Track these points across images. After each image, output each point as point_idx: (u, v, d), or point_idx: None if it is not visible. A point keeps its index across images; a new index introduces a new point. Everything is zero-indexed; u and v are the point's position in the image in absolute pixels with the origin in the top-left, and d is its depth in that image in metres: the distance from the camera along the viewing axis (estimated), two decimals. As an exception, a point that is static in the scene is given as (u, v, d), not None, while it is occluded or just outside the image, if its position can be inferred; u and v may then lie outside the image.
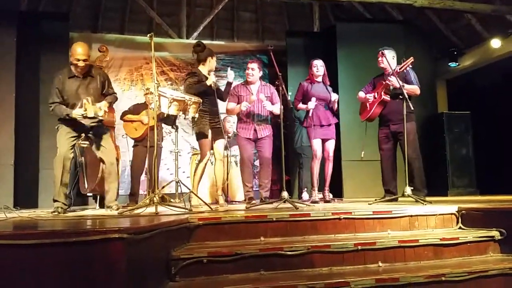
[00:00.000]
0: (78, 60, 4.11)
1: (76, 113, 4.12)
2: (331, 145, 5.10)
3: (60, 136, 4.23)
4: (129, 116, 5.85)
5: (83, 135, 4.36)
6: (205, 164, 4.67)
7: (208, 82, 4.52)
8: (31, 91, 6.46)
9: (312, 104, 4.94)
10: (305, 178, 6.35)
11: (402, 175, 4.46)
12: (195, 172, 4.70)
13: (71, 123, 4.22)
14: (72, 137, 4.24)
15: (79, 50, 4.11)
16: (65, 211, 4.18)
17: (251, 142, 4.91)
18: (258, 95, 4.92)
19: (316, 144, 5.00)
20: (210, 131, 4.59)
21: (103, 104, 4.21)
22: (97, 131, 4.35)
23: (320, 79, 5.10)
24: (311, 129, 5.00)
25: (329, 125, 5.06)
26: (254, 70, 5.01)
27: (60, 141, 4.20)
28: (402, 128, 4.30)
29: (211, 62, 4.66)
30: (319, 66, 5.08)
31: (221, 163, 4.79)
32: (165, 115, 4.10)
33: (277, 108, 4.84)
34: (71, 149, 4.25)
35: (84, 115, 4.11)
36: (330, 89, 5.18)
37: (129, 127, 5.86)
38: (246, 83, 5.06)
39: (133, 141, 5.93)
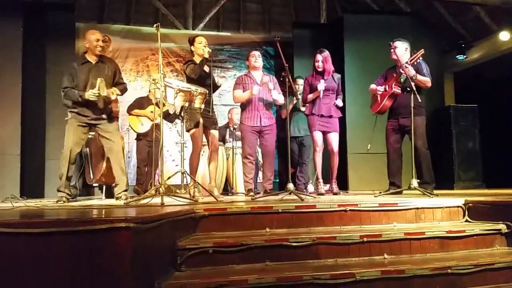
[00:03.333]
0: (98, 40, 4.34)
1: (89, 93, 4.20)
2: (334, 138, 5.06)
3: (69, 129, 4.30)
4: (137, 111, 5.93)
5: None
6: (198, 156, 4.65)
7: (206, 69, 4.50)
8: (37, 81, 6.49)
9: (321, 85, 4.90)
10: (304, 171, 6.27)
11: (409, 168, 4.44)
12: (190, 164, 4.63)
13: (82, 114, 4.30)
14: (81, 130, 4.32)
15: (96, 33, 4.38)
16: (69, 201, 4.27)
17: (256, 133, 4.87)
18: (264, 82, 4.88)
19: (316, 136, 5.00)
20: (202, 121, 4.55)
21: (114, 89, 4.39)
22: (105, 123, 4.42)
23: (322, 70, 5.08)
24: (311, 118, 5.01)
25: (330, 116, 5.03)
26: (260, 57, 4.99)
27: (69, 134, 4.28)
28: (412, 122, 4.27)
29: (197, 49, 4.60)
30: (319, 62, 5.07)
31: (216, 154, 4.76)
32: (168, 112, 4.10)
33: (281, 98, 4.88)
34: (79, 142, 4.33)
35: (97, 94, 4.19)
36: (337, 76, 5.15)
37: (135, 121, 5.92)
38: (250, 71, 5.03)
39: (135, 134, 6.00)
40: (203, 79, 4.50)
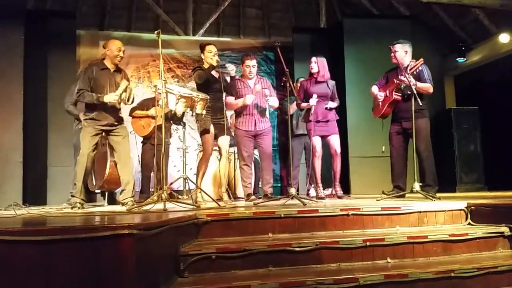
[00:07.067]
0: (120, 49, 4.43)
1: (111, 95, 4.28)
2: (334, 140, 5.06)
3: (85, 136, 4.36)
4: (138, 112, 5.86)
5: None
6: (207, 161, 4.67)
7: (215, 74, 4.53)
8: (39, 89, 6.52)
9: (313, 100, 4.95)
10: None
11: (412, 171, 4.44)
12: (198, 169, 4.69)
13: (97, 120, 4.35)
14: (95, 135, 4.37)
15: (117, 43, 4.48)
16: (83, 207, 4.35)
17: (251, 138, 4.83)
18: (261, 88, 4.86)
19: (315, 141, 5.01)
20: (212, 127, 4.59)
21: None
22: (117, 129, 4.48)
23: (317, 75, 5.11)
24: (310, 124, 5.03)
25: (327, 121, 5.05)
26: (255, 67, 4.90)
27: (84, 141, 4.34)
28: (415, 125, 4.25)
29: (207, 58, 4.63)
30: (313, 63, 5.12)
31: (226, 159, 4.78)
32: (173, 113, 4.17)
33: (276, 102, 4.89)
34: (94, 148, 4.39)
35: (119, 95, 4.27)
36: (332, 83, 5.16)
37: (137, 124, 5.87)
38: (242, 77, 5.01)
39: (141, 138, 5.95)
40: (210, 84, 4.54)
